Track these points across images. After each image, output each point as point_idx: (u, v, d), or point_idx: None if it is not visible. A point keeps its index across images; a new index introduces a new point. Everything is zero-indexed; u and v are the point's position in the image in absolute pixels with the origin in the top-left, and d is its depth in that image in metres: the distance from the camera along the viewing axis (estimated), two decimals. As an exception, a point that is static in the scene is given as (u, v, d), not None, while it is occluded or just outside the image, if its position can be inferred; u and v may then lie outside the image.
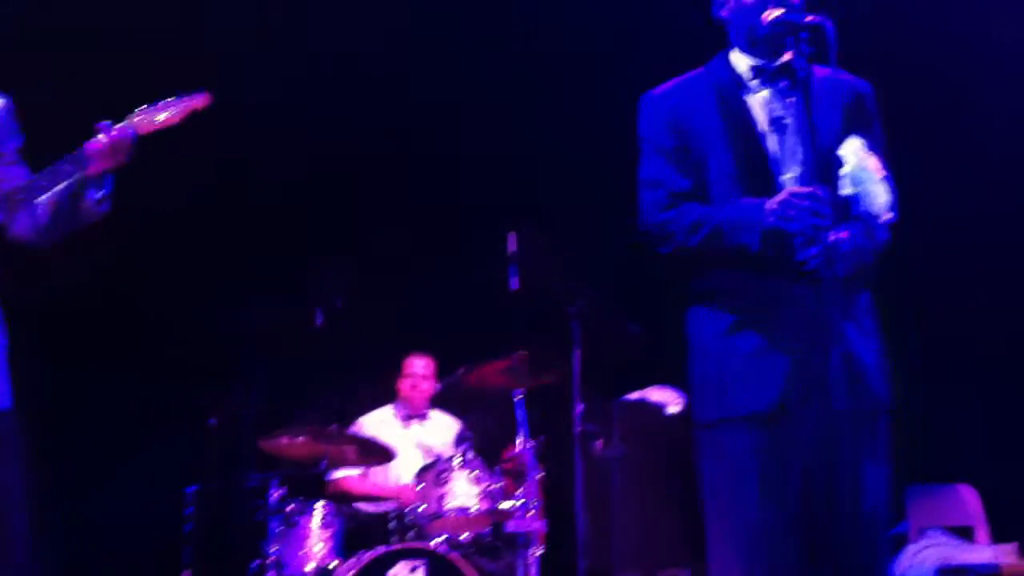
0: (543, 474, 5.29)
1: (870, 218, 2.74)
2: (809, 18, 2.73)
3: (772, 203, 2.70)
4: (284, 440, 5.27)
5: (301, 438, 5.25)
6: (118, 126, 3.08)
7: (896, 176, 2.83)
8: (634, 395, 6.06)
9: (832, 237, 2.65)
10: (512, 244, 5.25)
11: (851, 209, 2.73)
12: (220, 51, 5.59)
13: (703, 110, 2.91)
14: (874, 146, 2.82)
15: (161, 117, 3.12)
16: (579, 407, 5.24)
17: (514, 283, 5.21)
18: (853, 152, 2.74)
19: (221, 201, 6.27)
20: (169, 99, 3.15)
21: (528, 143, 6.30)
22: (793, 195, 2.67)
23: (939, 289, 5.88)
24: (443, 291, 6.38)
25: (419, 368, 6.03)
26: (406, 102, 6.24)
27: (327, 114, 6.17)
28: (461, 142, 6.38)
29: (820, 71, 2.81)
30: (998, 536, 5.50)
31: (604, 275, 5.82)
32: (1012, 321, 6.06)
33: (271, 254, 6.46)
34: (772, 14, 2.81)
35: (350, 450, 5.41)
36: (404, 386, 6.02)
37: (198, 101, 3.17)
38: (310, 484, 5.53)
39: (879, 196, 2.76)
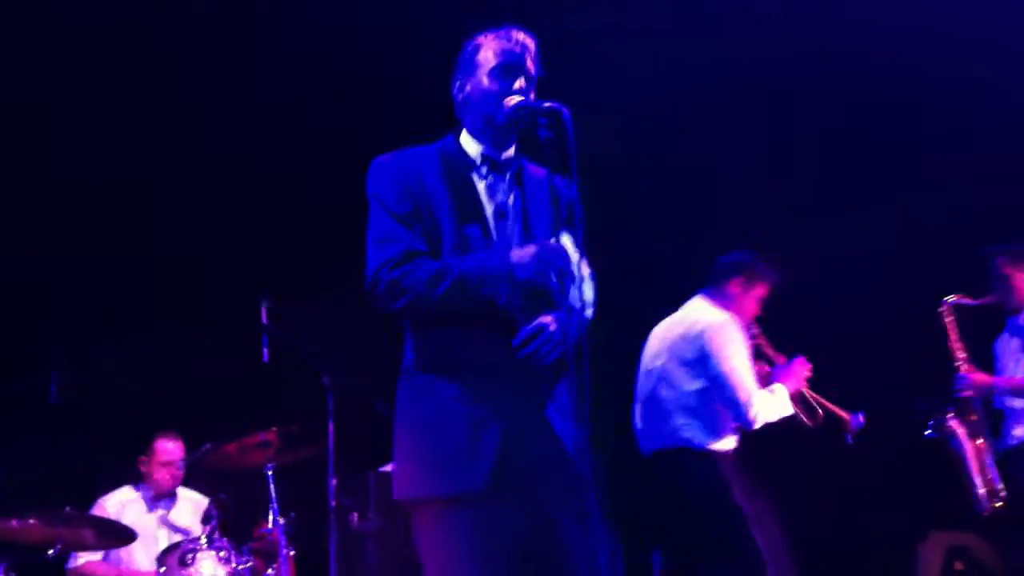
0: (295, 552, 5.14)
1: (576, 308, 2.82)
2: (547, 104, 2.83)
3: (523, 255, 2.75)
4: (13, 523, 4.91)
5: (32, 520, 4.91)
6: None
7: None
8: (391, 466, 5.96)
9: (543, 322, 2.74)
10: (264, 315, 5.12)
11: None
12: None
13: (435, 183, 2.93)
14: (579, 245, 2.92)
15: None
16: (333, 481, 5.12)
17: (266, 355, 5.07)
18: (564, 265, 2.81)
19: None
20: None
21: (281, 210, 6.17)
22: (544, 248, 2.74)
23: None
24: (192, 363, 6.15)
25: (171, 451, 5.75)
26: (157, 163, 6.01)
27: (69, 177, 5.88)
28: (213, 208, 6.18)
29: (537, 171, 2.97)
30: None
31: (360, 348, 5.74)
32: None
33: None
34: (513, 100, 2.90)
35: (87, 533, 5.09)
36: (156, 470, 5.72)
37: None
38: (43, 570, 5.19)
39: (585, 291, 2.88)
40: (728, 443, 4.78)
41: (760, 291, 4.95)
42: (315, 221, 6.12)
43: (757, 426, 4.76)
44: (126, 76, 5.51)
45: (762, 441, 5.08)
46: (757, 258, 4.99)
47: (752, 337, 4.98)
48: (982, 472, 5.17)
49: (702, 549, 4.69)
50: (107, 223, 6.10)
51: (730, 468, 4.73)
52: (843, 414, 5.04)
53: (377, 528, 5.62)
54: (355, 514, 5.60)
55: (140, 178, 6.01)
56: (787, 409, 4.82)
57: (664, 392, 4.81)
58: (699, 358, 4.75)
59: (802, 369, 4.91)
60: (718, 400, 4.74)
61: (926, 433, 5.29)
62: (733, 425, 4.80)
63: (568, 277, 2.74)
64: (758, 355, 5.00)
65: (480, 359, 2.79)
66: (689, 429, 4.74)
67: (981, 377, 5.22)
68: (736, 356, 4.73)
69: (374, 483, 5.84)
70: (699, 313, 4.88)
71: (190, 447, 5.68)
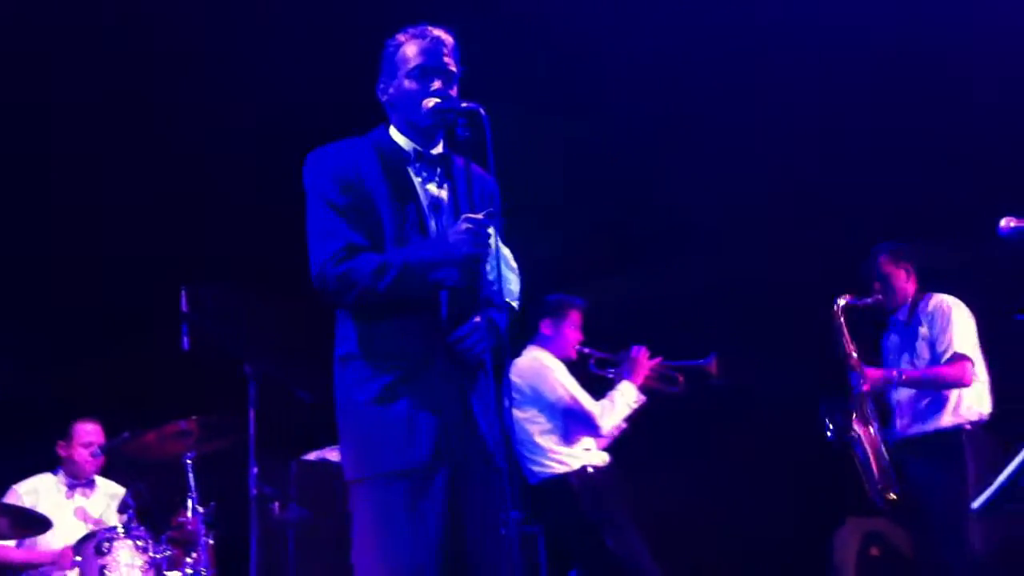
0: (214, 541, 5.10)
1: (503, 303, 2.93)
2: (464, 104, 2.91)
3: (457, 232, 2.82)
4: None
5: (-56, 510, 4.82)
6: None
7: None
8: (312, 455, 5.95)
9: (475, 321, 2.85)
10: (184, 302, 5.05)
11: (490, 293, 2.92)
12: None
13: (373, 175, 2.98)
14: (500, 235, 3.02)
15: None
16: (254, 470, 5.08)
17: (186, 342, 5.01)
18: (492, 239, 2.89)
19: None
20: None
21: (201, 197, 6.10)
22: (472, 221, 2.80)
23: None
24: (110, 351, 6.05)
25: (91, 432, 5.67)
26: (68, 146, 5.91)
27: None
28: (134, 195, 6.09)
29: (461, 163, 3.01)
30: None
31: (281, 336, 5.71)
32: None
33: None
34: (431, 102, 2.96)
35: (1, 522, 5.00)
36: (76, 451, 5.63)
37: None
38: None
39: (512, 283, 2.97)
40: (580, 461, 5.24)
41: (572, 320, 5.49)
42: (236, 209, 6.06)
43: (609, 431, 5.29)
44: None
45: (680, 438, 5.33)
46: (558, 297, 5.52)
47: (586, 357, 5.51)
48: (880, 467, 5.27)
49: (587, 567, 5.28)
50: (21, 205, 5.99)
51: (585, 485, 5.20)
52: (698, 364, 5.48)
53: (298, 517, 5.58)
54: (276, 503, 5.56)
55: (65, 164, 5.93)
56: (631, 403, 5.32)
57: (518, 436, 5.28)
58: (532, 398, 5.28)
59: (640, 355, 5.40)
60: (563, 426, 5.26)
61: (827, 436, 5.39)
62: (586, 443, 5.28)
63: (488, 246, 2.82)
64: (600, 365, 5.52)
65: (417, 350, 2.89)
66: (542, 462, 5.25)
67: (875, 371, 5.28)
68: (562, 382, 5.29)
69: (295, 472, 5.81)
70: (522, 360, 5.40)
71: (108, 436, 5.61)
